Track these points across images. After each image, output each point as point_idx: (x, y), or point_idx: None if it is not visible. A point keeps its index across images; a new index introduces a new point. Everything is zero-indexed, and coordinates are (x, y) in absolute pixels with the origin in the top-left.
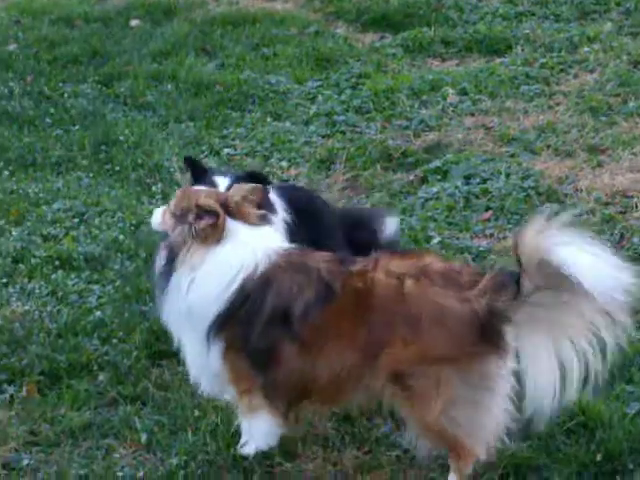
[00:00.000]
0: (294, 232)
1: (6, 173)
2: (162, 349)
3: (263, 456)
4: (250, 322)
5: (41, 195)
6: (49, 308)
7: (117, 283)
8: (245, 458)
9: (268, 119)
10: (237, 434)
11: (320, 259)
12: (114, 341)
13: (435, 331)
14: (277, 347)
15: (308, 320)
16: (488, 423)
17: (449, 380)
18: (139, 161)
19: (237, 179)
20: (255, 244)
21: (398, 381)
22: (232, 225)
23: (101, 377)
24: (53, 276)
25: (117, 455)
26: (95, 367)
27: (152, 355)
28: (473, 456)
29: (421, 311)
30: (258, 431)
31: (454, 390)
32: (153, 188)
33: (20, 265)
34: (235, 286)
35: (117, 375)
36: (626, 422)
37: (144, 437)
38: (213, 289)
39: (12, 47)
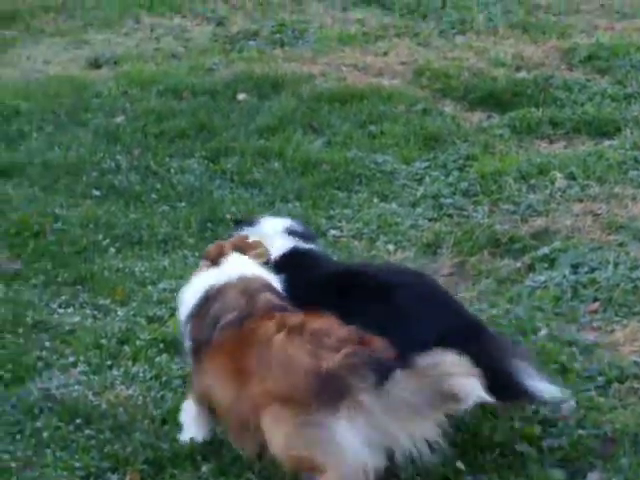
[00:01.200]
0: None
1: (112, 250)
2: None
3: None
4: (201, 320)
5: (147, 274)
6: (153, 393)
7: None
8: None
9: (375, 200)
10: None
11: (267, 291)
12: (217, 430)
13: (279, 374)
14: (203, 346)
15: (222, 332)
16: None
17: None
18: None
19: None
20: (234, 268)
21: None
22: (232, 255)
23: (204, 468)
24: (157, 359)
25: None
26: (199, 457)
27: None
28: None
29: (274, 356)
30: (187, 420)
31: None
32: None
33: (125, 347)
34: (200, 293)
35: (220, 466)
36: None
37: None
38: (187, 295)
39: (120, 119)
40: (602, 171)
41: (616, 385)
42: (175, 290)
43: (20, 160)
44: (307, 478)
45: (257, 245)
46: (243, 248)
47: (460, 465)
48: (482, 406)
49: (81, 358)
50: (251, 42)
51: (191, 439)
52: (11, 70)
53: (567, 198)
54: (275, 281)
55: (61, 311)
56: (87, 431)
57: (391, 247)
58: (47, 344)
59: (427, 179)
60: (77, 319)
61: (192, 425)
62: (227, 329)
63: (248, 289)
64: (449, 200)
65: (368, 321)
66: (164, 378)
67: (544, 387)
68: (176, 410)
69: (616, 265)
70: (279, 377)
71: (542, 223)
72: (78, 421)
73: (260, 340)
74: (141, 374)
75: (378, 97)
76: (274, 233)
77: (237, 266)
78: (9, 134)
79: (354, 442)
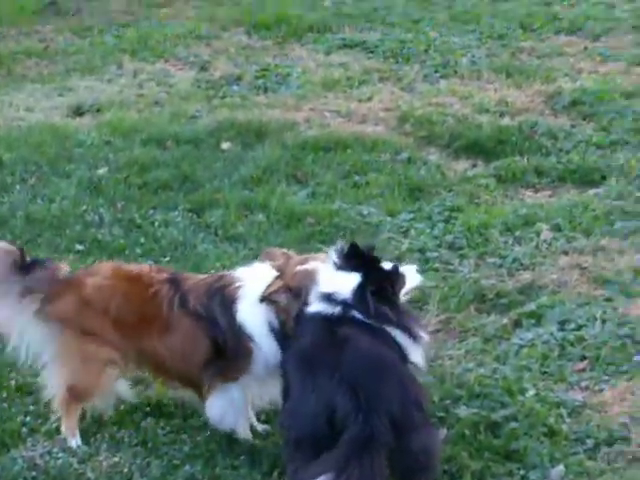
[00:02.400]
0: None
1: None
2: None
3: None
4: None
5: None
6: (139, 460)
7: (207, 433)
8: None
9: None
10: None
11: None
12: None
13: None
14: None
15: None
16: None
17: None
18: None
19: None
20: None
21: None
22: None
23: None
24: (142, 424)
25: None
26: None
27: None
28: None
29: None
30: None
31: None
32: None
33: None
34: None
35: None
36: None
37: None
38: None
39: (102, 170)
40: (588, 222)
41: (605, 448)
42: None
43: (3, 213)
44: None
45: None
46: None
47: None
48: (472, 474)
49: None
50: (234, 87)
51: None
52: None
53: (553, 251)
54: None
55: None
56: None
57: None
58: (31, 408)
59: (412, 232)
60: None
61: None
62: None
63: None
64: (435, 254)
65: None
66: (150, 444)
67: None
68: (162, 478)
69: (604, 321)
70: None
71: (528, 277)
72: None
73: None
74: (126, 439)
75: (362, 146)
76: None
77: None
78: None
79: None
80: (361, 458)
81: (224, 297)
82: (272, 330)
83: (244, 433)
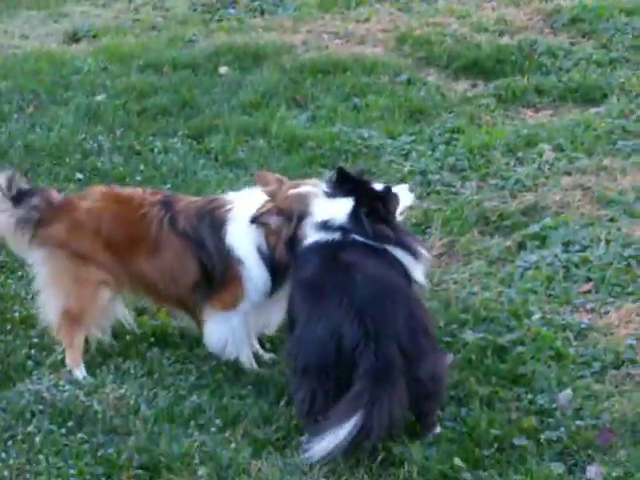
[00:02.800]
0: None
1: None
2: (262, 437)
3: None
4: None
5: None
6: (145, 392)
7: (213, 363)
8: None
9: None
10: None
11: None
12: (212, 429)
13: None
14: None
15: None
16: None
17: None
18: None
19: None
20: None
21: None
22: None
23: (201, 471)
24: (148, 354)
25: None
26: (195, 460)
27: (253, 443)
28: None
29: None
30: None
31: None
32: None
33: (114, 342)
34: None
35: (217, 469)
36: None
37: None
38: None
39: (100, 97)
40: (590, 142)
41: (612, 371)
42: None
43: (1, 143)
44: None
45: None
46: None
47: (458, 462)
48: (480, 399)
49: None
50: (230, 10)
51: None
52: None
53: (555, 171)
54: None
55: None
56: (80, 435)
57: None
58: (36, 341)
59: (413, 154)
60: None
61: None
62: None
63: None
64: (436, 176)
65: None
66: (155, 375)
67: None
68: (169, 409)
69: (608, 242)
70: None
71: (531, 198)
72: (71, 424)
73: None
74: (132, 370)
75: (361, 67)
76: None
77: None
78: None
79: None
80: (384, 389)
81: (213, 219)
82: (262, 254)
83: (249, 362)
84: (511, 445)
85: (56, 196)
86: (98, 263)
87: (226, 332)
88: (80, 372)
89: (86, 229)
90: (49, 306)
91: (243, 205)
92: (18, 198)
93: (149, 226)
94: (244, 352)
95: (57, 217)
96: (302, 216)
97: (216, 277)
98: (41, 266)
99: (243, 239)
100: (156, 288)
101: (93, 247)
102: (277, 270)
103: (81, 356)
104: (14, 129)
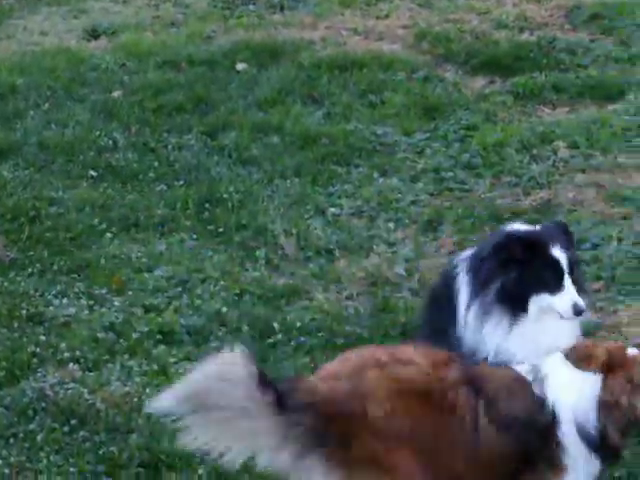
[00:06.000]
0: None
1: (108, 235)
2: None
3: None
4: None
5: (144, 260)
6: (149, 390)
7: None
8: None
9: (375, 175)
10: None
11: None
12: None
13: None
14: None
15: None
16: None
17: None
18: (243, 222)
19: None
20: None
21: None
22: None
23: (201, 471)
24: (154, 352)
25: None
26: (196, 459)
27: None
28: None
29: None
30: None
31: None
32: (257, 253)
33: (121, 340)
34: None
35: (218, 467)
36: None
37: None
38: None
39: (117, 94)
40: (606, 139)
41: None
42: (171, 278)
43: (16, 140)
44: None
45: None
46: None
47: None
48: None
49: (77, 353)
50: (250, 6)
51: None
52: (7, 43)
53: (570, 169)
54: None
55: (56, 302)
56: (82, 433)
57: (391, 225)
58: (42, 338)
59: (428, 151)
60: (73, 310)
61: None
62: None
63: None
64: (450, 173)
65: None
66: (161, 372)
67: None
68: None
69: (619, 240)
70: None
71: (544, 195)
72: (73, 422)
73: None
74: (137, 368)
75: (378, 64)
76: None
77: None
78: (5, 112)
79: None
80: None
81: None
82: None
83: None
84: None
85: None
86: None
87: None
88: None
89: None
90: None
91: None
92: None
93: None
94: None
95: None
96: None
97: None
98: None
99: None
100: None
101: None
102: None
103: None
104: (29, 126)
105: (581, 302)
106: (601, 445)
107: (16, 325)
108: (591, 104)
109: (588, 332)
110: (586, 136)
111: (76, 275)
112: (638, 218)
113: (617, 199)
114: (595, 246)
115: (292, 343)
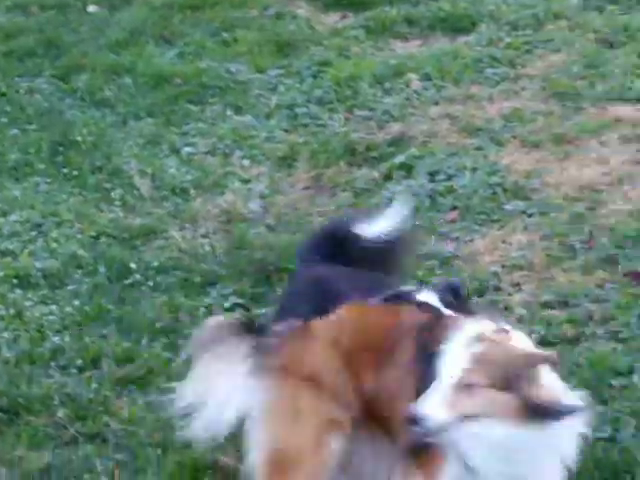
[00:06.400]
0: None
1: None
2: (124, 375)
3: None
4: None
5: None
6: (7, 334)
7: (75, 303)
8: None
9: (229, 112)
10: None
11: None
12: (73, 370)
13: None
14: None
15: None
16: None
17: None
18: (97, 164)
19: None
20: None
21: None
22: None
23: (60, 413)
24: (11, 296)
25: None
26: (55, 402)
27: (119, 382)
28: None
29: None
30: None
31: None
32: (112, 194)
33: None
34: None
35: (77, 410)
36: None
37: None
38: None
39: None
40: (458, 71)
41: (476, 298)
42: (26, 221)
43: None
44: None
45: None
46: None
47: None
48: None
49: None
50: None
51: None
52: None
53: (423, 101)
54: None
55: None
56: None
57: (246, 162)
58: None
59: (281, 88)
60: None
61: None
62: None
63: None
64: (304, 109)
65: None
66: (17, 316)
67: None
68: (31, 351)
69: (474, 170)
70: None
71: (398, 128)
72: None
73: None
74: None
75: (230, 2)
76: None
77: None
78: None
79: None
80: None
81: None
82: None
83: None
84: None
85: None
86: None
87: None
88: None
89: None
90: None
91: None
92: None
93: None
94: None
95: None
96: None
97: None
98: None
99: None
100: None
101: None
102: None
103: None
104: None
105: None
106: None
107: None
108: (442, 36)
109: (445, 262)
110: (438, 68)
111: None
112: (491, 148)
113: (470, 130)
114: (450, 177)
115: (149, 283)
